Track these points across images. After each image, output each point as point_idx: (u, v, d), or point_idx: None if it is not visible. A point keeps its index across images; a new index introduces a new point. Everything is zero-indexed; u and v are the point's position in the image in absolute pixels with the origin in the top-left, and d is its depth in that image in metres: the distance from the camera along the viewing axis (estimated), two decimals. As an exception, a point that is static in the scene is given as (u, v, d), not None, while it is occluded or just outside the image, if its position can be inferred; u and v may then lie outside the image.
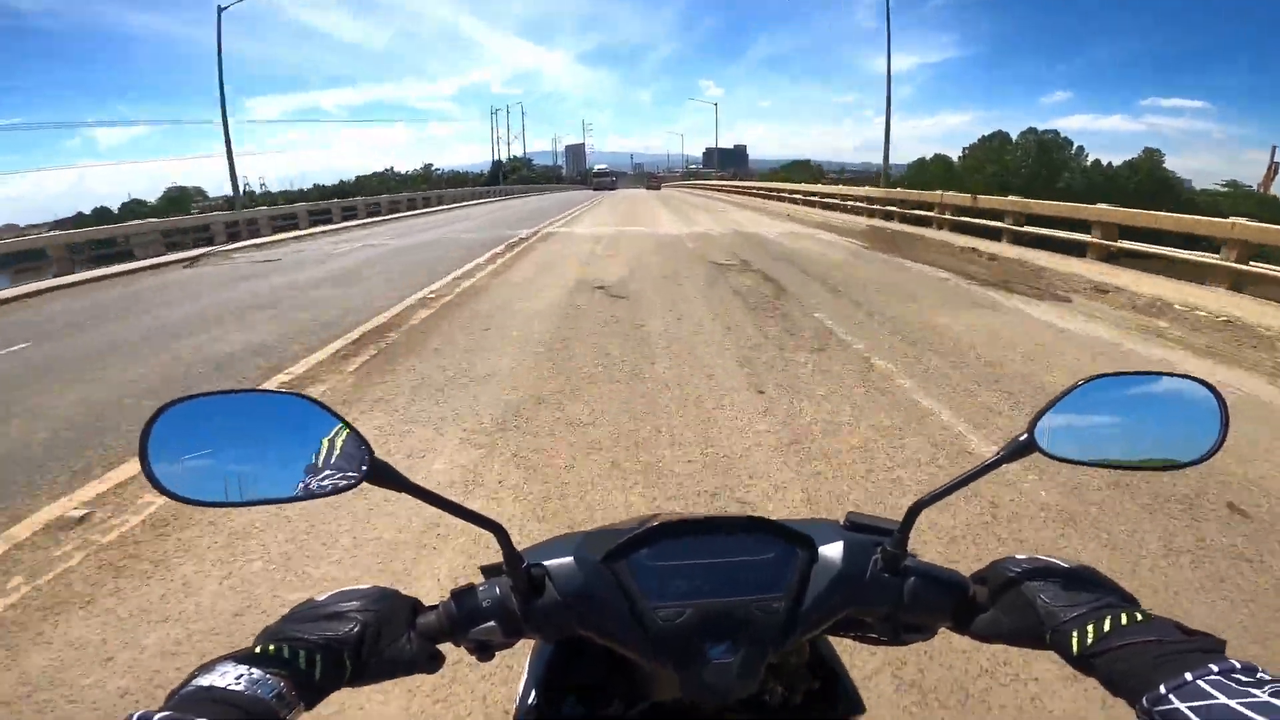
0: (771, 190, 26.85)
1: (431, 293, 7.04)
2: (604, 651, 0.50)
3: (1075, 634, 0.44)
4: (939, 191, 13.73)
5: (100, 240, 14.20)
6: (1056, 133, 45.37)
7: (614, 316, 5.63)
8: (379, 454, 0.47)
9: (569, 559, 0.49)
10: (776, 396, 3.70)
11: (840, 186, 20.81)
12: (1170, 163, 42.98)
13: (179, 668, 1.69)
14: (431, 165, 70.20)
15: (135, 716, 0.34)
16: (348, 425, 0.47)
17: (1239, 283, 6.89)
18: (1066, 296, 7.12)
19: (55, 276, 10.85)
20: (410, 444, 3.16)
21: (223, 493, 0.46)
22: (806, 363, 4.34)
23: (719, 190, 39.99)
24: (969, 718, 1.53)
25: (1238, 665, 0.37)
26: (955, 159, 43.83)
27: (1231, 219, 7.24)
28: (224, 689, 0.39)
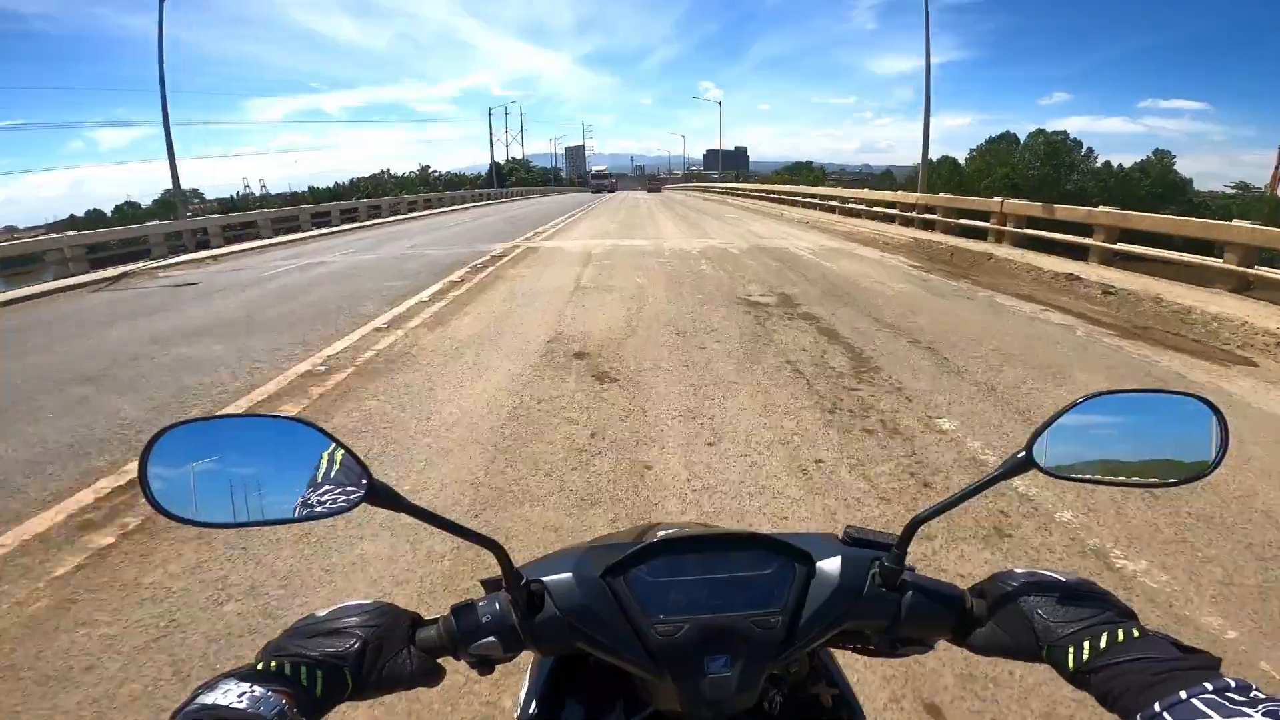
0: (782, 194, 24.49)
1: (323, 363, 4.60)
2: (605, 663, 0.49)
3: (1071, 650, 0.44)
4: (997, 199, 11.46)
5: (13, 257, 12.34)
6: (1065, 134, 44.30)
7: (596, 435, 3.23)
8: None
9: (568, 574, 0.49)
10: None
11: (865, 191, 18.55)
12: (1171, 164, 41.41)
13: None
14: (429, 168, 68.63)
15: None
16: (344, 447, 0.47)
17: None
18: (1246, 356, 4.93)
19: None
20: None
21: (222, 514, 0.46)
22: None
23: (723, 194, 37.71)
24: None
25: (1232, 684, 0.37)
26: (960, 160, 42.52)
27: None
28: (227, 707, 0.39)
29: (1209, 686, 0.37)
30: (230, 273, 10.46)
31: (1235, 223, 7.46)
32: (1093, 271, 8.05)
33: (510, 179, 62.47)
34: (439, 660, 0.49)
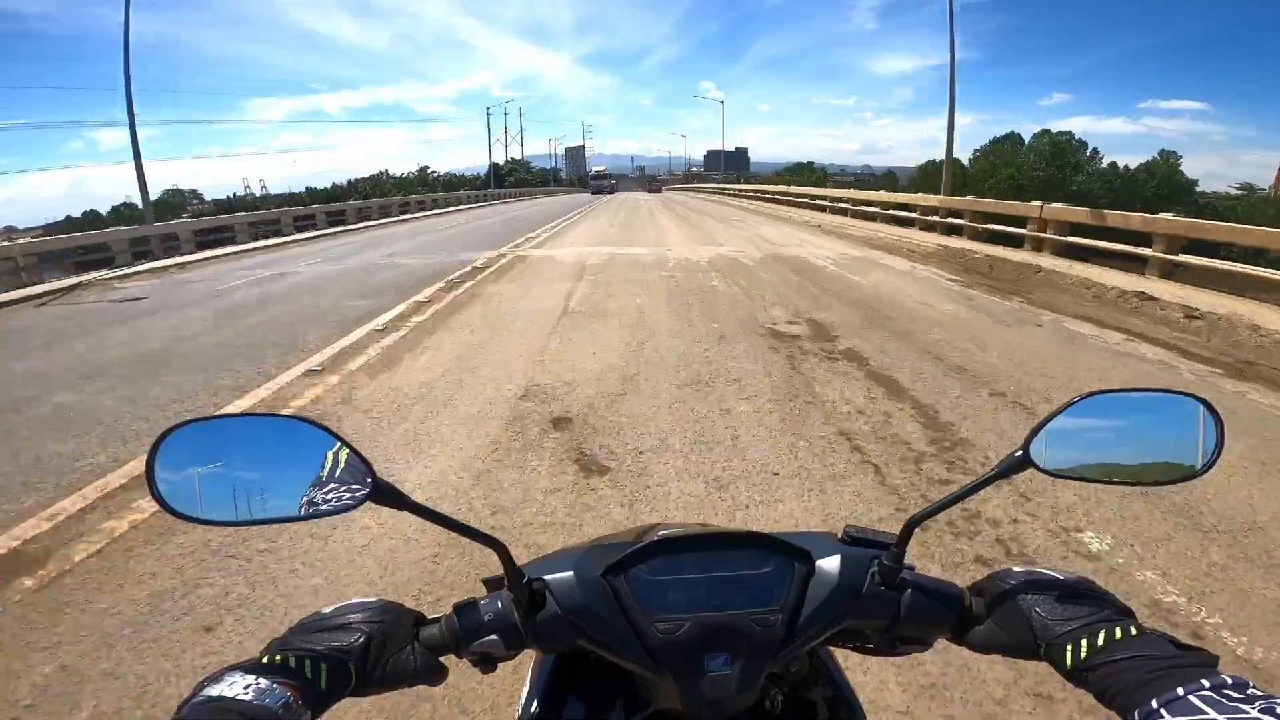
0: (786, 195, 23.35)
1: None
2: (606, 661, 0.49)
3: (1069, 648, 0.44)
4: (1036, 203, 10.35)
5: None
6: (1070, 134, 43.66)
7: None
8: None
9: (569, 573, 0.49)
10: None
11: (882, 193, 17.46)
12: (1173, 165, 40.86)
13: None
14: (428, 168, 67.65)
15: None
16: (348, 446, 0.46)
17: None
18: None
19: None
20: None
21: (228, 512, 0.45)
22: None
23: (724, 195, 36.59)
24: None
25: (1229, 681, 0.37)
26: (964, 161, 41.67)
27: None
28: (232, 699, 0.39)
29: (1206, 683, 0.37)
30: (185, 285, 9.48)
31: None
32: (1164, 288, 6.93)
33: (509, 180, 61.40)
34: (441, 658, 0.49)
